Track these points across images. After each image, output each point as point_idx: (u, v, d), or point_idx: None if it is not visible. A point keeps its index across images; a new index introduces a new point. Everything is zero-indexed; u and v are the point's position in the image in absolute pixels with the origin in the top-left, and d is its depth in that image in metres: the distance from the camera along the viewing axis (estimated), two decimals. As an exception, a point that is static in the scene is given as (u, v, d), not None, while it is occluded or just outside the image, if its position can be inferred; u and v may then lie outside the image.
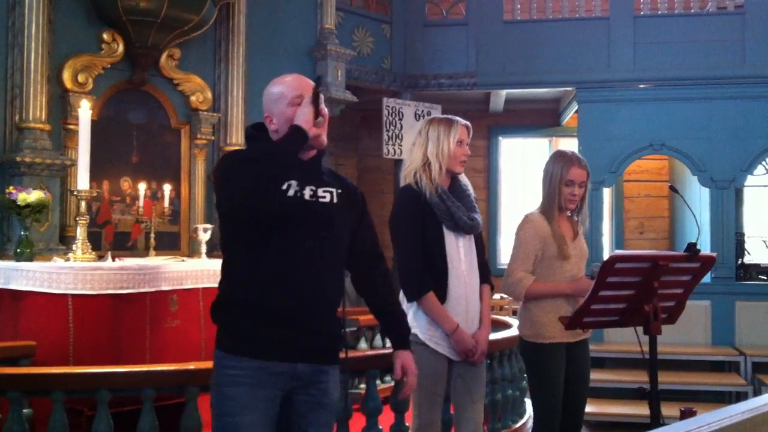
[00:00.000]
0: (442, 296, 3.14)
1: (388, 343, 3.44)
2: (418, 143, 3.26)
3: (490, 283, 3.37)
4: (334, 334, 2.45)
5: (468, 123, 3.30)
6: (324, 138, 2.43)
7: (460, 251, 3.21)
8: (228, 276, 2.43)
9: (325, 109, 2.41)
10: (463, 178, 3.34)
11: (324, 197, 2.43)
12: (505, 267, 3.62)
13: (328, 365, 2.43)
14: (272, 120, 2.46)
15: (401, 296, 3.21)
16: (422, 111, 8.52)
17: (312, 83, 2.46)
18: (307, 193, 2.40)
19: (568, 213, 3.60)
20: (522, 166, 10.57)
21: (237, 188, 2.27)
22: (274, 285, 2.32)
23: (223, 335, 2.40)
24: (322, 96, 2.42)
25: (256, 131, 2.51)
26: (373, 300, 2.63)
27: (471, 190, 3.34)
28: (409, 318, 3.17)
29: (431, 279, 3.14)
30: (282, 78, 2.51)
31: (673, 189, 3.85)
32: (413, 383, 2.63)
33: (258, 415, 2.30)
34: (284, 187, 2.36)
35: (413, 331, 3.17)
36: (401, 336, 2.67)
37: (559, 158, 3.55)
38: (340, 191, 2.49)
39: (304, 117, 2.36)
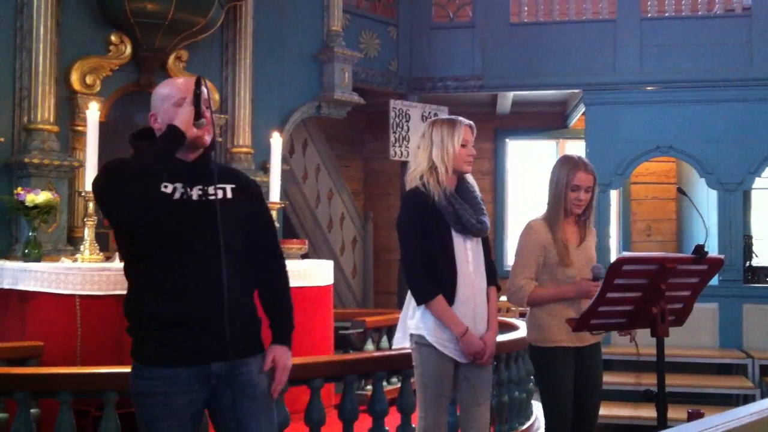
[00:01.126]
0: (450, 299, 3.13)
1: (395, 344, 3.45)
2: (423, 146, 3.25)
3: (497, 285, 3.36)
4: (244, 327, 2.40)
5: (471, 123, 3.28)
6: (207, 138, 2.40)
7: (468, 254, 3.20)
8: (129, 285, 2.42)
9: (207, 111, 2.39)
10: (470, 178, 3.33)
11: (215, 195, 2.40)
12: (510, 269, 3.62)
13: (245, 357, 2.41)
14: (156, 119, 2.44)
15: (409, 297, 3.21)
16: (429, 113, 8.52)
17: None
18: (195, 193, 2.39)
19: (576, 219, 3.57)
20: (529, 169, 10.56)
21: (117, 201, 2.28)
22: (171, 291, 2.31)
23: (133, 346, 2.40)
24: (204, 96, 2.39)
25: (136, 138, 2.48)
26: (264, 292, 2.56)
27: (477, 191, 3.33)
28: (417, 320, 3.17)
29: (439, 282, 3.13)
30: (173, 79, 2.54)
31: (680, 191, 3.84)
32: (282, 380, 2.51)
33: (175, 422, 2.32)
34: (169, 190, 2.34)
35: (420, 332, 3.16)
36: (284, 331, 2.56)
37: (565, 163, 3.53)
38: (233, 186, 2.47)
39: (182, 117, 2.34)
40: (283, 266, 2.61)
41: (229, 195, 2.44)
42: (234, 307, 2.37)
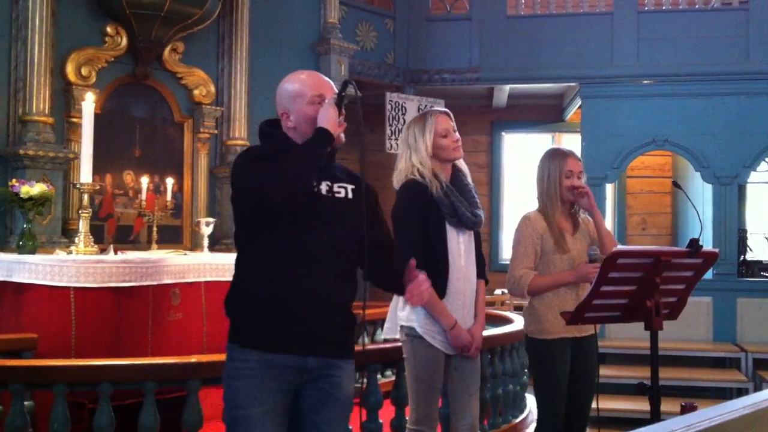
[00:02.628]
0: (442, 291, 3.14)
1: (384, 335, 3.46)
2: (402, 151, 3.27)
3: (485, 278, 3.37)
4: (344, 328, 2.43)
5: (446, 110, 3.27)
6: (342, 136, 2.43)
7: (460, 246, 3.21)
8: (241, 270, 2.43)
9: (342, 115, 2.42)
10: (463, 166, 3.33)
11: (339, 192, 2.45)
12: (507, 262, 3.63)
13: (340, 359, 2.41)
14: (289, 117, 2.44)
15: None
16: (425, 106, 8.50)
17: (328, 81, 2.47)
18: (323, 188, 2.41)
19: (571, 209, 3.59)
20: (525, 162, 10.55)
21: (269, 181, 2.25)
22: (284, 279, 2.32)
23: (234, 329, 2.40)
24: (345, 98, 2.41)
25: (270, 128, 2.50)
26: (393, 287, 2.58)
27: (470, 180, 3.34)
28: (407, 311, 3.18)
29: (432, 274, 3.13)
30: (297, 75, 2.50)
31: (676, 185, 3.85)
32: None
33: (267, 408, 2.30)
34: None
35: (411, 324, 3.18)
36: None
37: (554, 154, 3.61)
38: (353, 187, 2.50)
39: (328, 118, 2.35)
40: (401, 262, 2.57)
41: (350, 195, 2.48)
42: (341, 305, 2.40)
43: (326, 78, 2.51)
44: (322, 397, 2.37)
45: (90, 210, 4.74)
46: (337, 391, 2.39)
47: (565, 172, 3.51)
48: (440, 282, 3.14)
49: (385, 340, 3.77)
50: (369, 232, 2.45)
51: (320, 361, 2.36)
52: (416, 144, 3.19)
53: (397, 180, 3.25)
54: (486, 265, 3.43)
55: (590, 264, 3.41)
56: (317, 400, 2.37)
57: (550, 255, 3.48)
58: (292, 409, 2.38)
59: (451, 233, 3.18)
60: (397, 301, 3.27)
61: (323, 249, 2.35)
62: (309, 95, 2.41)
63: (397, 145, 8.18)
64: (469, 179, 3.34)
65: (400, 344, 3.31)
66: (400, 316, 3.22)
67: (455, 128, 3.25)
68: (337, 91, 2.43)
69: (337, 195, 2.44)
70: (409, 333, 3.19)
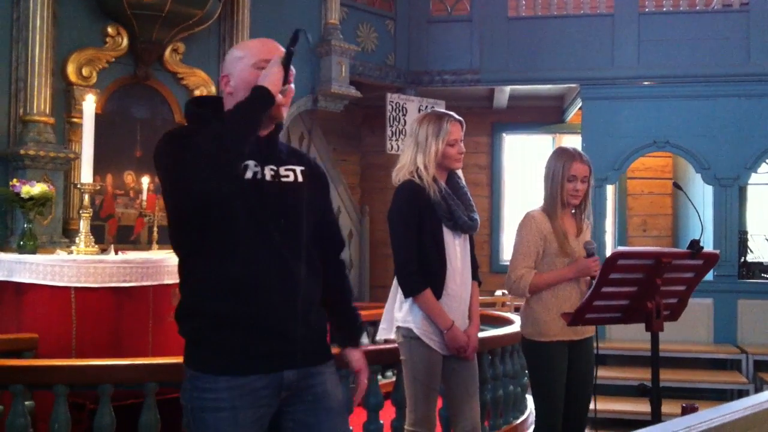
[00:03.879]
0: (438, 293, 3.15)
1: (379, 336, 3.45)
2: (408, 144, 3.25)
3: (479, 280, 3.37)
4: (317, 329, 2.15)
5: (460, 119, 3.25)
6: (284, 111, 2.09)
7: (456, 249, 3.21)
8: (187, 282, 2.09)
9: (292, 76, 2.07)
10: (458, 171, 3.33)
11: (287, 176, 2.11)
12: (507, 263, 3.62)
13: (318, 365, 2.12)
14: (229, 81, 2.10)
15: (398, 290, 3.22)
16: (426, 107, 8.51)
17: (280, 49, 2.08)
18: (268, 174, 2.07)
19: (572, 210, 3.59)
20: (525, 163, 10.56)
21: (191, 171, 1.89)
22: (241, 287, 1.99)
23: (192, 351, 2.07)
24: (294, 56, 2.05)
25: (198, 107, 2.14)
26: (330, 291, 2.24)
27: (464, 182, 3.34)
28: (404, 312, 3.18)
29: (428, 276, 3.14)
30: (250, 41, 2.21)
31: (676, 186, 3.85)
32: (364, 384, 2.33)
33: None
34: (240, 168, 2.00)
35: (408, 325, 3.17)
36: (354, 334, 2.34)
37: (561, 154, 3.54)
38: (302, 169, 2.16)
39: (271, 78, 1.99)
40: (344, 265, 2.38)
41: (300, 178, 2.13)
42: (308, 306, 2.09)
43: (281, 47, 2.11)
44: (313, 410, 2.09)
45: (91, 210, 4.74)
46: (325, 400, 2.11)
47: (568, 176, 3.48)
48: (437, 284, 3.14)
49: (386, 341, 3.77)
50: (320, 221, 2.19)
51: (298, 373, 2.06)
52: (426, 145, 3.18)
53: (397, 175, 3.24)
54: (480, 266, 3.43)
55: (589, 258, 3.40)
56: (308, 415, 2.09)
57: (552, 257, 3.47)
58: (284, 423, 2.10)
59: (448, 236, 3.18)
60: (393, 301, 3.27)
61: (278, 246, 2.02)
62: (256, 59, 2.06)
63: (398, 146, 8.21)
64: (464, 182, 3.34)
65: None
66: (397, 317, 3.22)
67: (463, 138, 3.25)
68: (293, 51, 2.06)
69: (284, 180, 2.10)
70: (407, 334, 3.18)
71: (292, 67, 2.06)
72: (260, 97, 1.97)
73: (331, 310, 2.26)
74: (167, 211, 2.10)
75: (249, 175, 2.04)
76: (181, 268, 2.11)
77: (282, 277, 2.03)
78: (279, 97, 2.01)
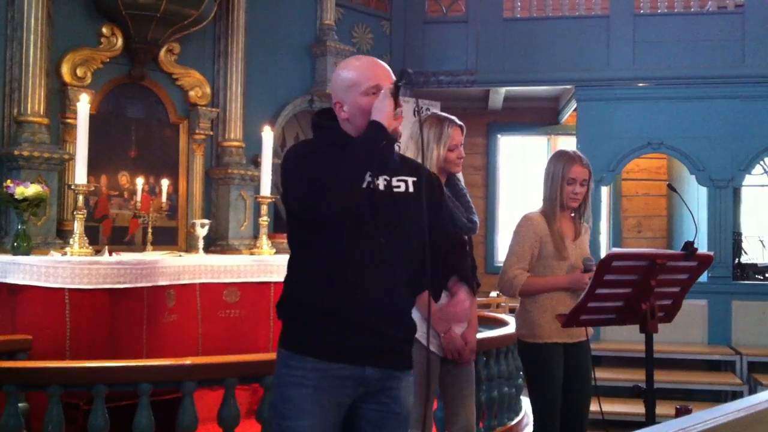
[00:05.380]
0: (437, 296, 3.14)
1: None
2: (409, 147, 3.24)
3: (477, 282, 3.37)
4: (405, 338, 2.28)
5: (461, 124, 3.25)
6: (401, 129, 2.26)
7: (456, 251, 3.21)
8: (295, 274, 2.26)
9: (401, 103, 2.23)
10: (458, 174, 3.33)
11: (398, 187, 2.25)
12: (502, 264, 3.62)
13: (399, 370, 2.24)
14: (343, 108, 2.25)
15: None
16: (421, 108, 8.49)
17: (386, 70, 2.26)
18: (381, 183, 2.21)
19: (572, 213, 3.58)
20: (521, 164, 10.57)
21: (309, 185, 2.09)
22: (342, 285, 2.16)
23: (287, 334, 2.24)
24: (402, 89, 2.21)
25: (323, 120, 2.32)
26: (434, 294, 2.42)
27: (463, 184, 3.34)
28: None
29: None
30: (353, 62, 2.31)
31: (671, 188, 3.85)
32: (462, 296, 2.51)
33: (318, 421, 2.14)
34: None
35: None
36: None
37: (561, 157, 3.54)
38: (414, 179, 2.29)
39: (385, 112, 2.17)
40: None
41: (411, 189, 2.27)
42: (402, 311, 2.25)
43: (384, 65, 2.29)
44: (384, 411, 2.21)
45: (85, 211, 4.73)
46: (397, 406, 2.23)
47: (567, 179, 3.47)
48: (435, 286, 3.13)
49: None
50: (432, 230, 2.24)
51: (379, 373, 2.19)
52: (427, 149, 3.18)
53: None
54: (478, 268, 3.42)
55: (585, 273, 3.39)
56: (379, 415, 2.21)
57: (548, 260, 3.46)
58: (350, 426, 2.22)
59: (448, 237, 3.18)
60: None
61: (383, 252, 2.17)
62: (364, 86, 2.21)
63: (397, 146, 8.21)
64: (463, 184, 3.34)
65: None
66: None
67: (462, 143, 3.25)
68: (395, 79, 2.22)
69: (396, 190, 2.23)
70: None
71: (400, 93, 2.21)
72: (376, 132, 2.15)
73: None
74: (286, 211, 2.30)
75: (364, 184, 2.18)
76: (291, 262, 2.28)
77: (382, 280, 2.17)
78: (392, 125, 2.18)
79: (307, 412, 2.14)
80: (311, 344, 2.16)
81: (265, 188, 5.19)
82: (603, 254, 6.79)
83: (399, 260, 2.20)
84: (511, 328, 4.66)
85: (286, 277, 2.29)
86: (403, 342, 2.28)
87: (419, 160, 3.17)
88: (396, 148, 2.34)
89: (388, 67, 2.28)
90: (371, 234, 2.16)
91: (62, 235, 5.12)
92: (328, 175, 2.08)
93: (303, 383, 2.14)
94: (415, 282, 2.28)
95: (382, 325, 2.18)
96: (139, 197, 5.44)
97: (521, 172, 10.45)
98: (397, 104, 2.20)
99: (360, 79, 2.23)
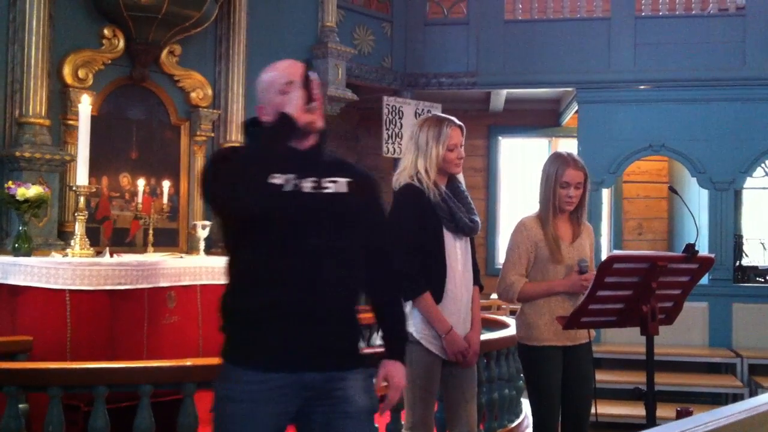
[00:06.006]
0: (439, 296, 3.14)
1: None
2: (409, 148, 3.25)
3: (480, 284, 3.37)
4: (344, 337, 2.22)
5: (461, 124, 3.25)
6: (319, 122, 2.23)
7: (457, 252, 3.21)
8: (228, 279, 2.24)
9: (317, 92, 2.22)
10: (459, 175, 3.33)
11: (328, 188, 2.22)
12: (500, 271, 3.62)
13: (343, 371, 2.19)
14: (265, 109, 2.27)
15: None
16: (422, 110, 8.51)
17: (302, 68, 2.25)
18: (307, 185, 2.19)
19: (572, 216, 3.57)
20: (521, 166, 10.57)
21: (223, 191, 2.10)
22: (272, 288, 2.12)
23: (225, 345, 2.21)
24: (313, 79, 2.21)
25: (250, 126, 2.33)
26: (375, 298, 2.37)
27: (464, 185, 3.34)
28: (404, 315, 3.17)
29: (429, 279, 3.14)
30: (274, 64, 2.33)
31: (672, 190, 3.86)
32: (394, 399, 2.37)
33: None
34: (280, 181, 2.15)
35: (408, 329, 3.16)
36: (398, 344, 2.40)
37: (555, 160, 3.53)
38: (349, 180, 2.26)
39: (293, 103, 2.17)
40: (396, 272, 2.44)
41: (344, 189, 2.24)
42: (339, 312, 2.19)
43: (301, 64, 2.28)
44: (332, 414, 2.17)
45: (86, 212, 4.74)
46: (346, 405, 2.18)
47: (561, 182, 3.46)
48: (437, 286, 3.14)
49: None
50: (364, 231, 2.27)
51: (321, 376, 2.15)
52: (427, 149, 3.17)
53: (397, 180, 3.24)
54: (480, 270, 3.42)
55: (581, 276, 3.39)
56: (328, 418, 2.17)
57: (544, 264, 3.46)
58: (302, 424, 2.20)
59: (449, 238, 3.18)
60: None
61: (314, 254, 2.14)
62: (279, 84, 2.23)
63: (394, 149, 8.22)
64: (464, 185, 3.34)
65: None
66: (396, 320, 3.21)
67: (463, 143, 3.25)
68: (308, 75, 2.23)
69: (325, 191, 2.21)
70: (406, 337, 3.18)
71: (315, 81, 2.22)
72: (282, 124, 2.16)
73: (377, 318, 2.38)
74: (216, 218, 2.34)
75: (288, 187, 2.17)
76: (227, 268, 2.26)
77: (315, 284, 2.13)
78: (304, 117, 2.17)
79: (246, 427, 2.11)
80: (246, 356, 2.13)
81: (266, 190, 5.19)
82: (604, 256, 6.78)
83: (332, 261, 2.16)
84: (511, 330, 4.65)
85: (225, 285, 2.27)
86: (343, 341, 2.21)
87: (419, 161, 3.18)
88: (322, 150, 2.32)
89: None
90: (300, 236, 2.14)
91: (63, 237, 5.12)
92: (237, 173, 2.08)
93: (241, 398, 2.12)
94: (353, 282, 2.24)
95: (316, 328, 2.13)
96: (140, 199, 5.44)
97: (522, 174, 10.46)
98: (310, 96, 2.19)
99: (275, 78, 2.26)
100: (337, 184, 2.24)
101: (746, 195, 9.28)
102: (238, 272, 2.21)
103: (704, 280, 6.60)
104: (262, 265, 2.14)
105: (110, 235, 5.50)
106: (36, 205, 4.65)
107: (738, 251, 8.60)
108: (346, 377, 2.20)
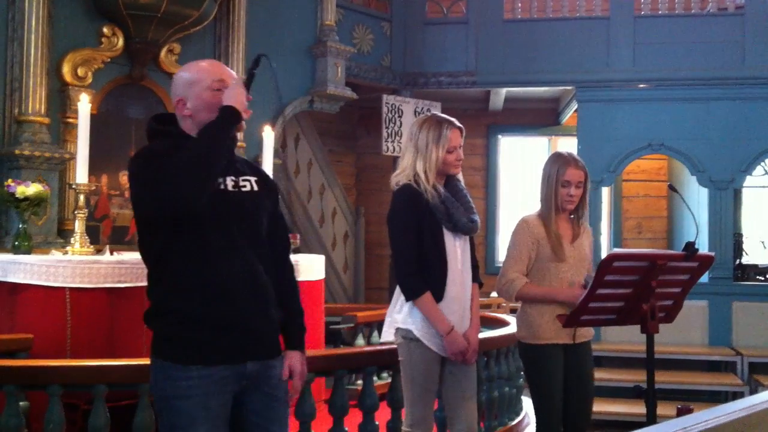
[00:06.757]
0: (439, 296, 3.14)
1: (383, 338, 3.45)
2: (408, 149, 3.24)
3: (480, 282, 3.37)
4: (274, 327, 2.35)
5: (460, 126, 3.24)
6: (244, 124, 2.29)
7: (457, 251, 3.21)
8: (158, 284, 2.26)
9: (249, 99, 2.27)
10: (458, 175, 3.33)
11: (244, 186, 2.31)
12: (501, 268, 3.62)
13: (273, 358, 2.34)
14: (186, 104, 2.29)
15: (398, 292, 3.22)
16: (422, 108, 8.52)
17: (228, 69, 2.34)
18: (229, 183, 2.28)
19: (571, 216, 3.58)
20: (521, 165, 10.57)
21: (165, 186, 2.10)
22: (210, 287, 2.20)
23: (163, 344, 2.24)
24: (254, 79, 2.27)
25: (160, 125, 2.35)
26: (278, 292, 2.41)
27: (463, 184, 3.33)
28: (404, 314, 3.17)
29: (429, 279, 3.14)
30: (196, 63, 2.37)
31: (672, 188, 3.86)
32: (299, 387, 2.48)
33: (210, 426, 2.19)
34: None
35: (408, 327, 3.16)
36: (299, 335, 2.48)
37: (556, 160, 3.54)
38: (256, 179, 2.37)
39: (237, 98, 2.21)
40: (293, 267, 2.52)
41: (255, 187, 2.35)
42: (268, 303, 2.31)
43: (227, 67, 2.39)
44: (266, 400, 2.31)
45: (85, 210, 4.73)
46: (277, 391, 2.34)
47: (562, 181, 3.47)
48: (437, 286, 3.14)
49: (382, 343, 3.77)
50: (271, 226, 2.38)
51: (258, 365, 2.28)
52: (426, 152, 3.16)
53: (396, 180, 3.24)
54: (480, 268, 3.42)
55: (584, 290, 3.38)
56: (262, 404, 2.30)
57: (546, 262, 3.46)
58: (235, 418, 2.28)
59: (448, 238, 3.18)
60: (395, 304, 3.27)
61: (243, 249, 2.24)
62: (209, 80, 2.27)
63: (394, 147, 8.22)
64: (463, 185, 3.34)
65: (395, 346, 3.30)
66: (396, 319, 3.21)
67: (462, 145, 3.24)
68: (254, 73, 2.29)
69: (243, 189, 2.31)
70: (406, 336, 3.18)
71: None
72: (230, 116, 2.19)
73: (280, 310, 2.43)
74: (137, 222, 2.33)
75: (222, 186, 2.26)
76: (151, 274, 2.29)
77: (247, 277, 2.25)
78: (247, 113, 2.23)
79: (199, 421, 2.18)
80: (190, 353, 2.19)
81: (266, 188, 5.19)
82: (603, 255, 6.79)
83: (256, 254, 2.28)
84: (511, 328, 4.66)
85: (149, 289, 2.29)
86: (273, 331, 2.35)
87: (418, 163, 3.18)
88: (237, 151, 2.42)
89: (231, 71, 2.36)
90: (228, 232, 2.23)
91: (63, 235, 5.12)
92: (172, 170, 2.09)
93: (190, 393, 2.18)
94: (271, 273, 2.34)
95: (255, 321, 2.26)
96: (139, 197, 5.44)
97: (521, 173, 10.46)
98: (248, 95, 2.24)
99: (203, 75, 2.29)
100: (250, 183, 2.35)
101: (746, 193, 9.28)
102: (172, 277, 2.23)
103: (704, 278, 6.60)
104: (199, 267, 2.20)
105: (110, 233, 5.50)
106: (35, 203, 4.64)
107: (738, 250, 8.61)
108: (275, 364, 2.35)
